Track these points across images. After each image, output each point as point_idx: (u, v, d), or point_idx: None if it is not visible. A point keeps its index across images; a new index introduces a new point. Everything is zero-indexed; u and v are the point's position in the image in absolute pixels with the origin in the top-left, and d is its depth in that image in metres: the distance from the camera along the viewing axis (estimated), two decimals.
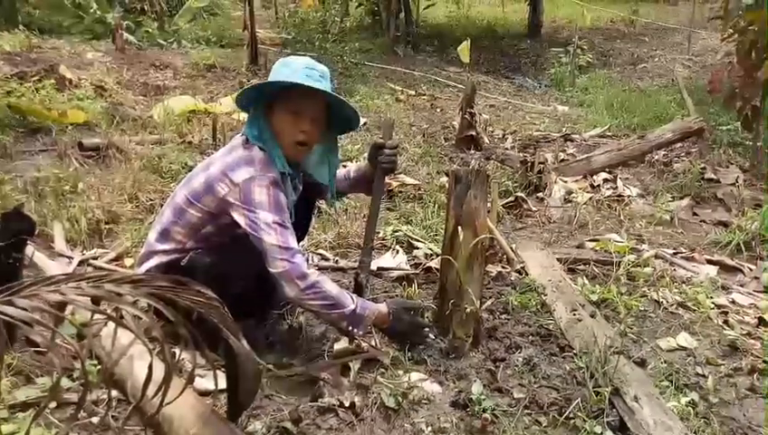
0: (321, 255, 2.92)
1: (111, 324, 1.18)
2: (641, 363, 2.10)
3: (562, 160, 4.83)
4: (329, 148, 2.18)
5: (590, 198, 4.03)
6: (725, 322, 2.48)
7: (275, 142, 1.99)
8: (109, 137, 4.07)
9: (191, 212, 1.96)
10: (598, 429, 1.72)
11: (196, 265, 1.93)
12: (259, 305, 2.15)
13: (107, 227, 3.07)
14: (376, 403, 1.80)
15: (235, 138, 2.08)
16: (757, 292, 2.81)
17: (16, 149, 3.89)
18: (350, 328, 1.95)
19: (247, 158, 1.93)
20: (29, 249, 2.25)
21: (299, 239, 2.04)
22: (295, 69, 1.96)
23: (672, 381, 2.00)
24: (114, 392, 1.67)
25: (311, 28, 8.04)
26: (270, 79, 1.99)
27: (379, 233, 3.21)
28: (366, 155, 2.30)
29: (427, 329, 2.11)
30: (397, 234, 3.12)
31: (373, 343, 2.09)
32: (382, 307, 2.01)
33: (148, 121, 4.78)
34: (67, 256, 2.70)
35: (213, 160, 2.02)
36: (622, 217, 3.79)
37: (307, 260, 2.00)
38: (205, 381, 1.80)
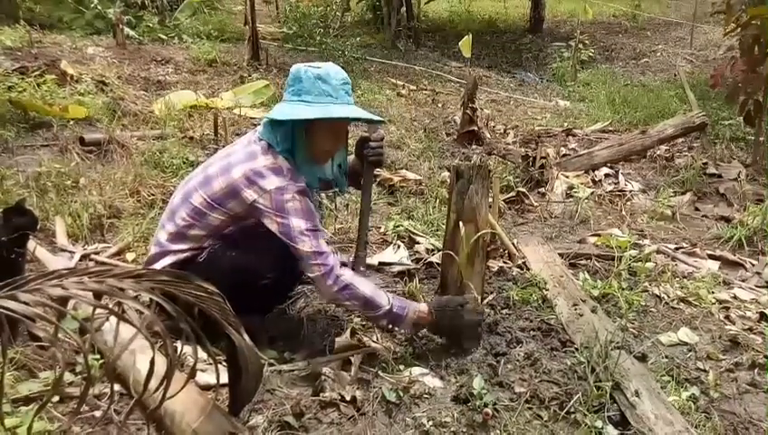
0: None
1: (113, 319, 1.19)
2: (642, 358, 2.10)
3: (564, 155, 4.82)
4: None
5: (592, 194, 4.03)
6: (727, 317, 2.48)
7: (309, 159, 2.04)
8: (110, 132, 4.06)
9: (214, 215, 1.97)
10: (599, 423, 1.73)
11: (214, 261, 1.95)
12: (275, 299, 2.18)
13: (108, 221, 3.07)
14: (377, 398, 1.81)
15: (252, 141, 2.03)
16: (759, 287, 2.81)
17: (18, 145, 3.89)
18: (392, 326, 2.01)
19: (274, 166, 1.94)
20: (31, 244, 2.26)
21: None
22: (335, 87, 1.97)
23: (673, 376, 2.01)
24: (116, 387, 1.67)
25: (311, 23, 8.01)
26: (306, 93, 1.95)
27: (380, 228, 3.21)
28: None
29: (477, 322, 2.07)
30: (398, 229, 3.12)
31: (375, 338, 2.10)
32: (423, 306, 2.05)
33: (150, 116, 4.78)
34: (69, 251, 2.70)
35: (232, 164, 1.98)
36: (624, 213, 3.79)
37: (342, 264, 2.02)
38: (206, 376, 1.81)
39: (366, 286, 1.97)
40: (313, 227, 1.93)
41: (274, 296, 2.20)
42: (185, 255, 1.99)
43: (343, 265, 2.02)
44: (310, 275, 1.94)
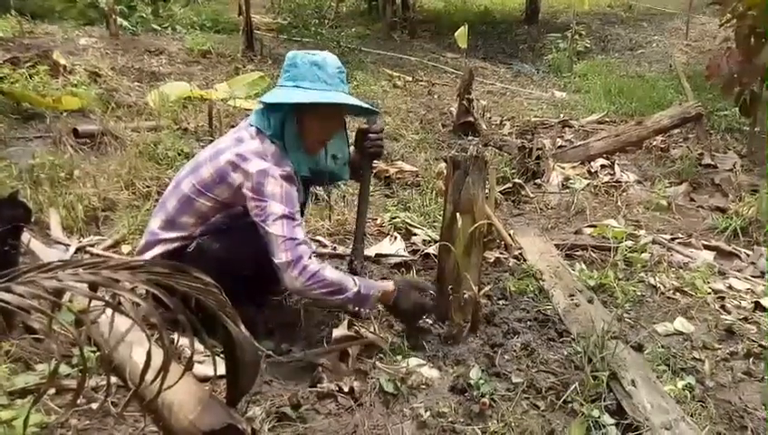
0: (319, 241, 2.91)
1: (109, 311, 1.18)
2: (638, 348, 2.11)
3: (560, 147, 4.82)
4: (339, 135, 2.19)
5: (588, 184, 4.03)
6: (722, 307, 2.50)
7: (299, 146, 2.01)
8: (104, 123, 4.03)
9: (201, 201, 1.95)
10: (595, 412, 1.73)
11: (203, 252, 1.93)
12: (264, 290, 2.16)
13: (103, 214, 3.05)
14: (375, 389, 1.81)
15: (242, 127, 2.03)
16: (754, 277, 2.82)
17: (10, 136, 3.85)
18: (357, 308, 1.97)
19: (260, 150, 1.92)
20: (25, 236, 2.25)
21: None
22: (331, 74, 1.95)
23: (669, 366, 2.02)
24: (113, 379, 1.67)
25: (306, 13, 7.96)
26: (302, 78, 1.94)
27: (376, 220, 3.20)
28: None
29: (427, 312, 2.10)
30: (395, 220, 3.12)
31: (372, 329, 2.10)
32: (389, 284, 2.02)
33: (144, 108, 4.74)
34: (64, 244, 2.69)
35: (220, 150, 1.97)
36: (620, 203, 3.79)
37: (313, 253, 1.99)
38: (204, 367, 1.80)
39: (332, 272, 1.92)
40: (290, 213, 1.88)
41: (266, 286, 2.18)
42: (175, 244, 1.97)
43: (338, 257, 2.01)
44: (276, 260, 1.86)
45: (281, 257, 1.86)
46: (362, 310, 1.99)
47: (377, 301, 2.00)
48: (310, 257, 1.90)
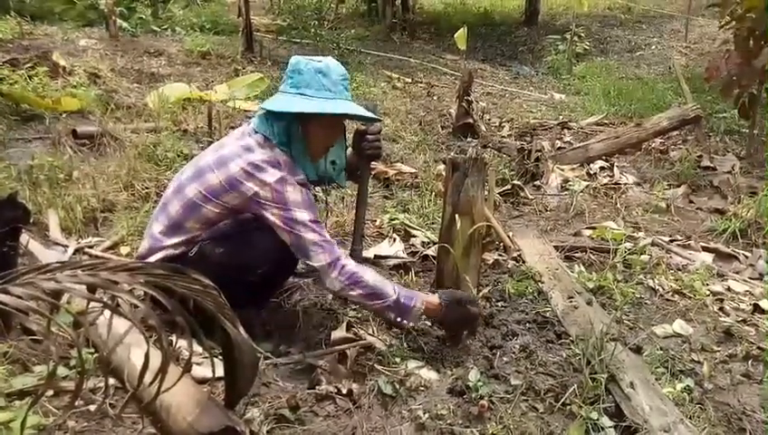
0: None
1: (108, 312, 1.18)
2: (637, 350, 2.11)
3: (559, 148, 4.83)
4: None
5: (587, 186, 4.03)
6: (721, 309, 2.50)
7: (306, 153, 2.02)
8: (103, 125, 4.03)
9: (208, 208, 1.94)
10: (594, 415, 1.73)
11: (204, 255, 1.93)
12: (264, 293, 2.16)
13: (102, 215, 3.05)
14: (373, 390, 1.81)
15: (246, 133, 2.00)
16: (752, 279, 2.82)
17: (10, 137, 3.85)
18: (399, 319, 1.96)
19: (272, 159, 1.92)
20: (24, 238, 2.24)
21: None
22: (335, 81, 1.96)
23: (668, 368, 2.02)
24: (111, 380, 1.67)
25: (306, 15, 7.96)
26: (306, 86, 1.94)
27: (375, 221, 3.20)
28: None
29: (478, 320, 2.08)
30: (393, 222, 3.12)
31: (370, 332, 2.10)
32: (433, 298, 2.01)
33: (143, 109, 4.74)
34: (62, 245, 2.69)
35: (226, 157, 1.94)
36: (619, 205, 3.80)
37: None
38: (202, 369, 1.80)
39: (370, 275, 1.94)
40: (316, 218, 1.92)
41: (266, 290, 2.18)
42: (178, 250, 1.96)
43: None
44: (315, 265, 1.90)
45: (320, 260, 1.89)
46: (404, 322, 1.97)
47: (420, 315, 1.98)
48: (346, 258, 1.94)
